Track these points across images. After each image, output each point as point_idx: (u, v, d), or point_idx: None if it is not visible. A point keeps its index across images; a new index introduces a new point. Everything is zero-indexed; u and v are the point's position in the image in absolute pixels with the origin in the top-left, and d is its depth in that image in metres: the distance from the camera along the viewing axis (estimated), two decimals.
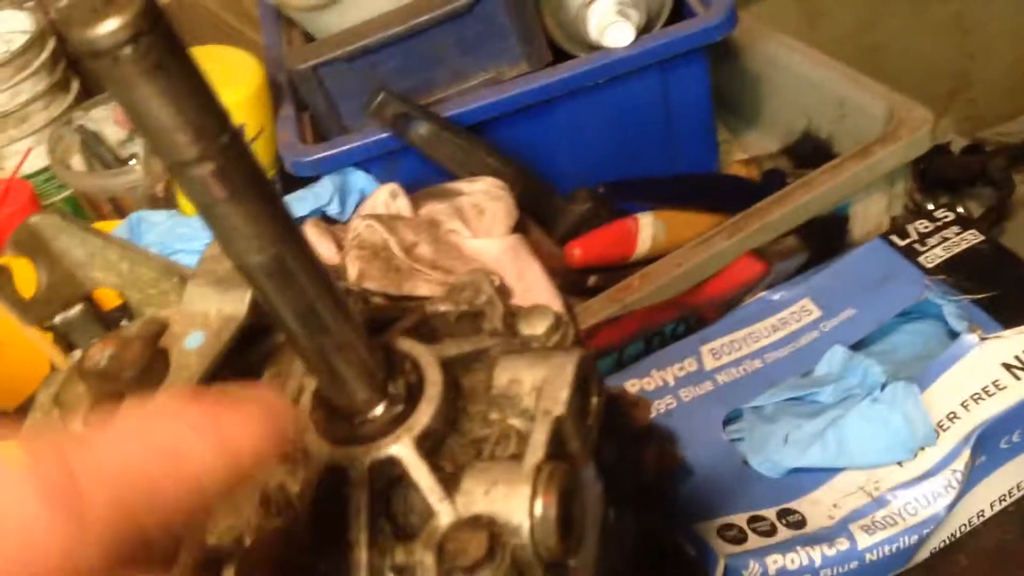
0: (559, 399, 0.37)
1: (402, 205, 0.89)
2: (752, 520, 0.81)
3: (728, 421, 0.89)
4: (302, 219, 0.91)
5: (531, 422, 0.37)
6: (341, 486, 0.37)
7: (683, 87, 0.92)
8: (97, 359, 0.39)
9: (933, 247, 0.93)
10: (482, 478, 0.35)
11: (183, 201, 0.99)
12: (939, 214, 0.96)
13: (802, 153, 1.09)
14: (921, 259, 0.92)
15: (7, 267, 0.45)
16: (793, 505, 0.82)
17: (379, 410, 0.37)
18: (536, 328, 0.40)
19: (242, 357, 0.43)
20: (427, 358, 0.38)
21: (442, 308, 0.42)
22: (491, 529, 0.34)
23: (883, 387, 0.82)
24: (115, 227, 1.02)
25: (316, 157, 0.93)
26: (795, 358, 0.90)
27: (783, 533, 0.80)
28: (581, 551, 0.37)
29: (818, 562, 0.76)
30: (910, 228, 0.94)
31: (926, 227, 0.94)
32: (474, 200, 0.90)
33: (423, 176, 0.93)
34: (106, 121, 1.30)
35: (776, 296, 0.93)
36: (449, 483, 0.36)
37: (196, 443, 0.26)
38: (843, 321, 0.91)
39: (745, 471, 0.85)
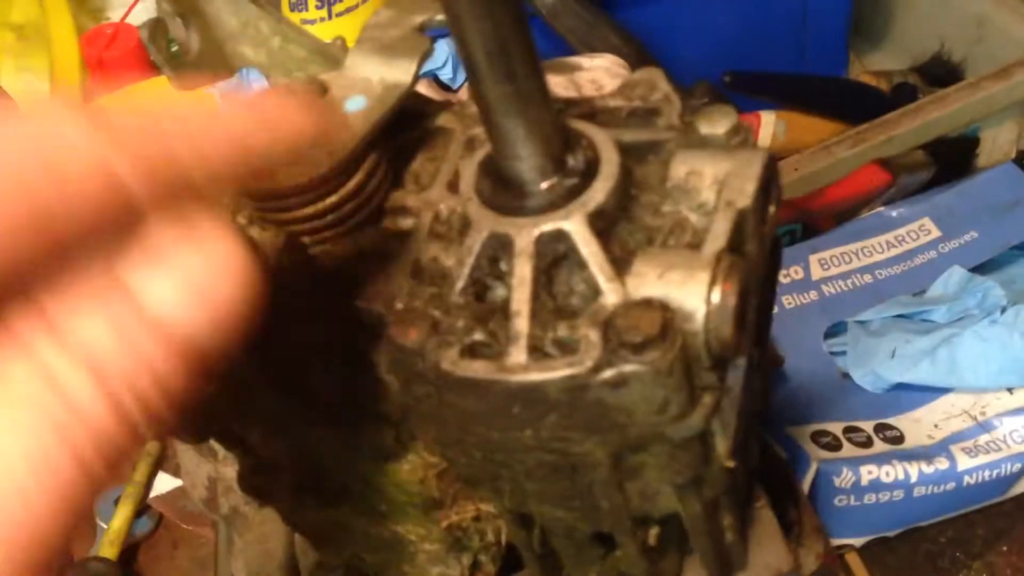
0: (745, 191, 0.34)
1: None
2: (848, 430, 0.78)
3: (828, 335, 0.86)
4: (435, 75, 0.89)
5: (707, 217, 0.35)
6: (502, 256, 0.35)
7: None
8: None
9: None
10: (656, 262, 0.33)
11: None
12: None
13: (932, 76, 1.03)
14: None
15: (162, 22, 0.43)
16: (891, 421, 0.79)
17: (552, 182, 0.34)
18: (717, 127, 0.37)
19: (396, 139, 0.42)
20: (603, 138, 0.36)
21: (612, 103, 0.40)
22: (664, 311, 0.32)
23: (1003, 311, 0.78)
24: None
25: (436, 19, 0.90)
26: (908, 276, 0.87)
27: (879, 446, 0.77)
28: (742, 356, 0.35)
29: (914, 478, 0.73)
30: None
31: None
32: (593, 76, 0.87)
33: (542, 48, 0.90)
34: None
35: (895, 212, 0.90)
36: (619, 265, 0.34)
37: (239, 110, 0.26)
38: (964, 244, 0.87)
39: (843, 384, 0.82)
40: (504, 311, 0.34)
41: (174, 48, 0.45)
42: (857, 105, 0.92)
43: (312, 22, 1.00)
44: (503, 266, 0.35)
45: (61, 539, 0.21)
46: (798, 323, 0.86)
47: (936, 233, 0.88)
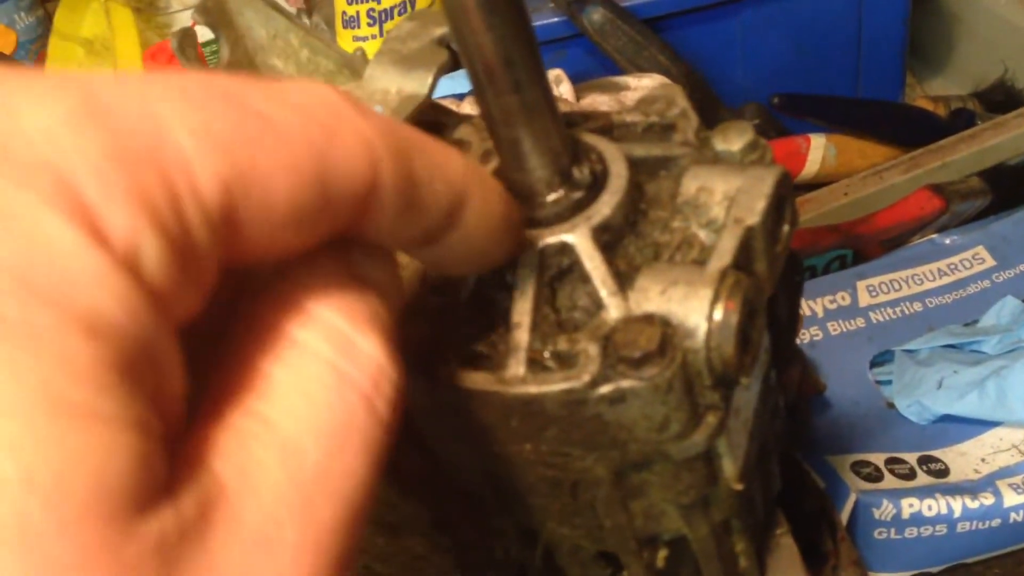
0: (754, 209, 0.34)
1: (565, 91, 0.87)
2: (890, 461, 0.76)
3: (875, 363, 0.84)
4: (461, 96, 0.90)
5: (716, 234, 0.34)
6: (508, 268, 0.35)
7: (880, 5, 0.86)
8: None
9: None
10: (660, 277, 0.33)
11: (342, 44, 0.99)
12: None
13: (994, 102, 1.01)
14: None
15: (192, 31, 0.44)
16: (937, 453, 0.77)
17: (558, 195, 0.34)
18: (732, 144, 0.36)
19: None
20: (613, 152, 0.36)
21: (629, 118, 0.39)
22: (664, 327, 0.32)
23: None
24: None
25: None
26: (960, 306, 0.84)
27: (923, 479, 0.75)
28: (750, 378, 0.34)
29: (957, 512, 0.71)
30: None
31: None
32: (639, 96, 0.86)
33: (589, 67, 0.90)
34: None
35: (947, 240, 0.87)
36: (623, 279, 0.33)
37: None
38: (1019, 274, 0.84)
39: (888, 413, 0.80)
40: (507, 323, 0.34)
41: (214, 59, 0.46)
42: (911, 130, 0.90)
43: (364, 39, 1.01)
44: (508, 278, 0.35)
45: (373, 493, 0.23)
46: (843, 350, 0.84)
47: (990, 262, 0.86)
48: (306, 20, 1.30)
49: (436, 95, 0.72)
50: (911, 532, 0.72)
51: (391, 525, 0.43)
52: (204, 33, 0.46)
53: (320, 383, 0.23)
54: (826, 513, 0.68)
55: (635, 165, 0.36)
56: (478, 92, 0.32)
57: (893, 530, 0.72)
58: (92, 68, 1.33)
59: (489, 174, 0.29)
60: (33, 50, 1.40)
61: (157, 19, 1.29)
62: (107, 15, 1.18)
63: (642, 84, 0.88)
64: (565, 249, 0.34)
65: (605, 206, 0.34)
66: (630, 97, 0.87)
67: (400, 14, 0.97)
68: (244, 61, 0.46)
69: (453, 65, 0.40)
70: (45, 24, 1.39)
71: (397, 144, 0.24)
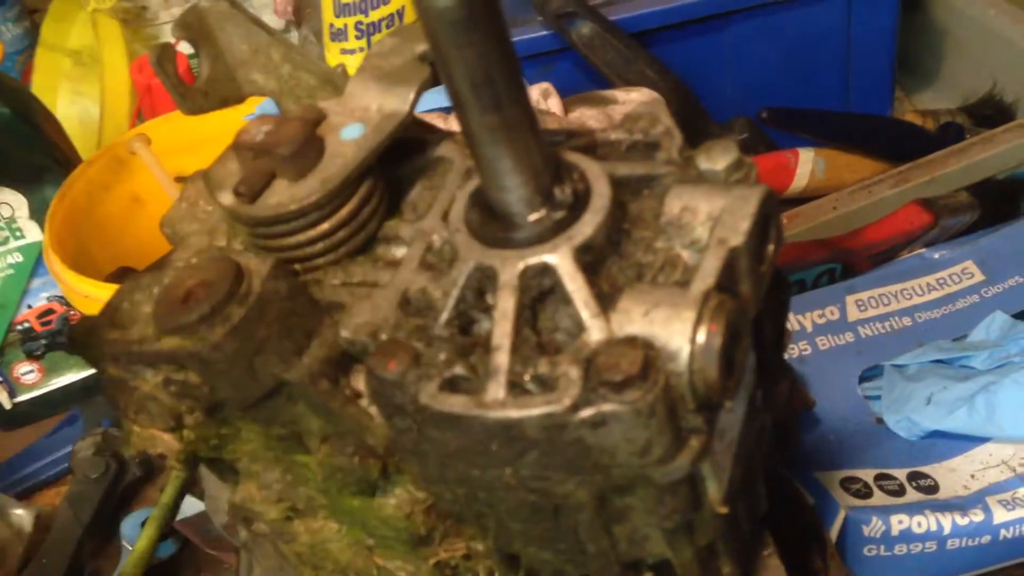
0: (738, 229, 0.33)
1: (553, 104, 0.86)
2: (880, 477, 0.75)
3: (864, 378, 0.83)
4: (449, 110, 0.89)
5: (700, 254, 0.34)
6: (488, 289, 0.34)
7: (869, 18, 0.86)
8: (254, 133, 0.37)
9: None
10: (642, 299, 0.32)
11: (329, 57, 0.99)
12: None
13: (983, 116, 1.01)
14: None
15: (170, 45, 0.43)
16: (926, 469, 0.76)
17: (540, 214, 0.34)
18: (717, 163, 0.36)
19: (395, 169, 0.41)
20: (596, 171, 0.35)
21: (613, 136, 0.39)
22: (647, 350, 0.31)
23: None
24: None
25: None
26: (949, 320, 0.84)
27: (912, 495, 0.74)
28: (734, 401, 0.34)
29: (947, 529, 0.71)
30: None
31: None
32: (627, 110, 0.86)
33: (578, 81, 0.90)
34: (265, 9, 1.31)
35: (937, 254, 0.87)
36: (605, 301, 0.33)
37: None
38: (1007, 289, 0.84)
39: (877, 429, 0.80)
40: (487, 345, 0.33)
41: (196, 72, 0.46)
42: (900, 144, 0.90)
43: (352, 51, 1.01)
44: (489, 299, 0.34)
45: None
46: (832, 365, 0.83)
47: (979, 277, 0.85)
48: (294, 33, 1.29)
49: (422, 109, 0.71)
50: (900, 549, 0.71)
51: (369, 545, 0.43)
52: (190, 48, 0.45)
53: None
54: (815, 530, 0.68)
55: (618, 184, 0.35)
56: (458, 110, 0.32)
57: (883, 547, 0.71)
58: (79, 79, 1.32)
59: None
60: (20, 61, 1.39)
61: (145, 31, 1.28)
62: (95, 26, 1.17)
63: (630, 98, 0.87)
64: (546, 270, 0.33)
65: (587, 226, 0.34)
66: (618, 111, 0.87)
67: (388, 27, 0.97)
68: (224, 76, 0.46)
69: (435, 82, 0.40)
70: (32, 35, 1.39)
71: None
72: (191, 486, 0.91)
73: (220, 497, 0.82)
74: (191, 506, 0.90)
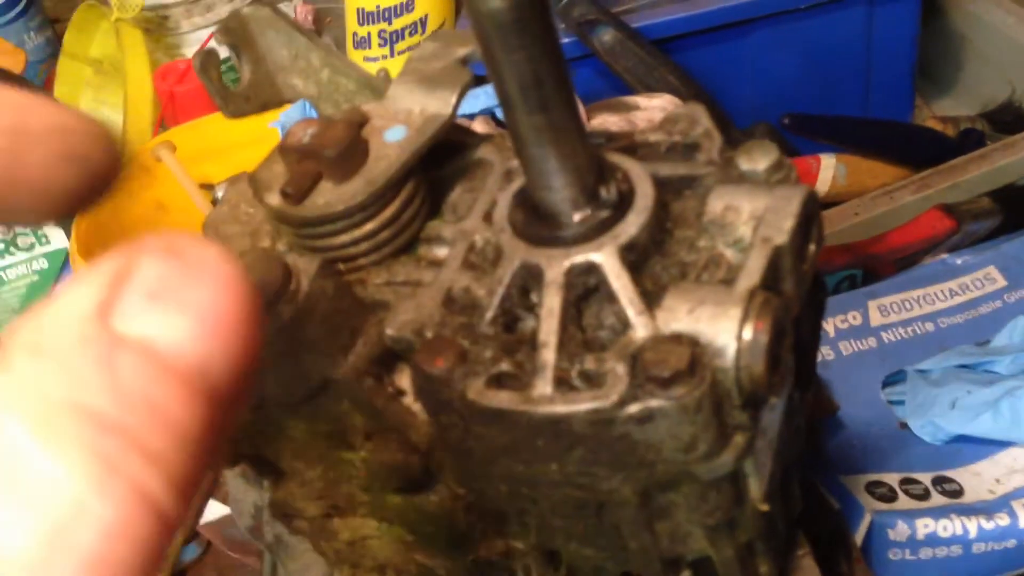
0: (783, 228, 0.34)
1: None
2: (904, 482, 0.76)
3: (887, 383, 0.84)
4: (472, 116, 0.90)
5: (743, 253, 0.34)
6: (533, 288, 0.34)
7: (890, 25, 0.87)
8: (300, 135, 0.38)
9: None
10: (687, 296, 0.33)
11: None
12: None
13: (1002, 122, 1.01)
14: None
15: (215, 51, 0.44)
16: (951, 474, 0.76)
17: (584, 214, 0.34)
18: (757, 163, 0.36)
19: (436, 171, 0.42)
20: (639, 172, 0.36)
21: (652, 138, 0.39)
22: (693, 347, 0.31)
23: None
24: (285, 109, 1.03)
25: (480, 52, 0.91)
26: (972, 326, 0.84)
27: (937, 499, 0.74)
28: (780, 395, 0.34)
29: (973, 533, 0.71)
30: None
31: None
32: (650, 115, 0.87)
33: (599, 88, 0.90)
34: None
35: (959, 260, 0.87)
36: (650, 299, 0.33)
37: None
38: None
39: (901, 434, 0.80)
40: (533, 343, 0.34)
41: (234, 78, 0.46)
42: (921, 150, 0.90)
43: (375, 59, 1.02)
44: (534, 298, 0.35)
45: None
46: (856, 370, 0.84)
47: (1002, 282, 0.85)
48: None
49: (465, 111, 0.72)
50: (926, 553, 0.71)
51: (409, 542, 0.43)
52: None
53: None
54: (841, 534, 0.68)
55: (660, 184, 0.36)
56: (506, 111, 0.32)
57: (908, 551, 0.71)
58: (102, 87, 1.33)
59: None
60: (42, 70, 1.40)
61: (167, 40, 1.29)
62: (117, 35, 1.18)
63: (652, 104, 0.88)
64: (592, 268, 0.34)
65: (631, 225, 0.34)
66: (640, 117, 0.87)
67: (411, 35, 0.97)
68: (265, 81, 0.46)
69: (476, 83, 0.40)
70: (54, 44, 1.40)
71: None
72: (215, 490, 0.91)
73: (245, 500, 0.82)
74: (214, 510, 0.91)
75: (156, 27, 1.29)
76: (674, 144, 0.39)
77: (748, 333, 0.32)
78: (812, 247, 0.36)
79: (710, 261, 0.35)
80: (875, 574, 0.72)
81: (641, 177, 0.35)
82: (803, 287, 0.36)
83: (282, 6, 1.31)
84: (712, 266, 0.34)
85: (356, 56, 1.01)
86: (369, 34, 0.98)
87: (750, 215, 0.35)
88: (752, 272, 0.33)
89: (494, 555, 0.42)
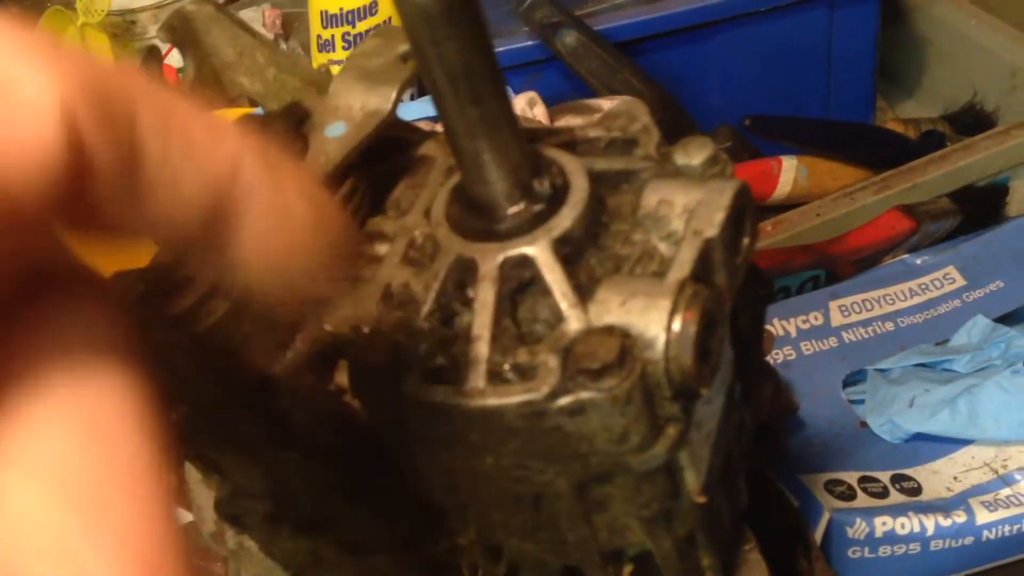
0: (713, 221, 0.34)
1: (539, 113, 0.87)
2: (863, 480, 0.76)
3: (848, 383, 0.84)
4: (435, 118, 0.90)
5: (677, 246, 0.34)
6: (469, 282, 0.35)
7: (850, 28, 0.87)
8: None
9: None
10: (620, 289, 0.33)
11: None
12: None
13: (964, 125, 1.02)
14: None
15: (157, 48, 0.44)
16: (909, 472, 0.77)
17: (519, 207, 0.34)
18: (693, 158, 0.37)
19: (379, 167, 0.42)
20: (574, 166, 0.36)
21: (592, 133, 0.40)
22: (624, 338, 0.32)
23: None
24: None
25: None
26: (931, 325, 0.85)
27: (895, 497, 0.75)
28: (711, 390, 0.34)
29: (930, 531, 0.71)
30: None
31: None
32: None
33: (564, 90, 0.91)
34: (254, 23, 1.32)
35: (918, 260, 0.88)
36: (583, 292, 0.33)
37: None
38: (988, 293, 0.85)
39: (861, 432, 0.80)
40: (468, 337, 0.34)
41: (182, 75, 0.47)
42: (882, 152, 0.91)
43: (339, 62, 1.01)
44: (470, 292, 0.35)
45: None
46: (816, 370, 0.84)
47: (961, 282, 0.86)
48: (283, 45, 1.30)
49: (410, 118, 0.72)
50: (885, 551, 0.72)
51: (358, 543, 0.43)
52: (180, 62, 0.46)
53: None
54: (800, 532, 0.68)
55: (596, 179, 0.36)
56: (438, 104, 0.32)
57: (867, 549, 0.72)
58: None
59: (291, 162, 0.23)
60: None
61: (133, 44, 1.29)
62: (84, 40, 1.18)
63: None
64: (526, 262, 0.34)
65: (566, 219, 0.34)
66: None
67: None
68: (210, 79, 0.46)
69: (416, 80, 0.41)
70: None
71: (101, 87, 0.17)
72: (179, 497, 0.91)
73: (207, 506, 0.82)
74: (179, 517, 0.90)
75: (123, 32, 1.29)
76: (613, 140, 0.39)
77: (677, 324, 0.32)
78: (746, 240, 0.36)
79: (644, 254, 0.35)
80: (834, 572, 0.72)
81: (576, 171, 0.36)
82: (737, 280, 0.36)
83: (250, 10, 1.31)
84: (645, 259, 0.35)
85: (321, 59, 1.01)
86: (333, 36, 0.98)
87: (683, 208, 0.35)
88: (683, 264, 0.33)
89: (440, 552, 0.42)
